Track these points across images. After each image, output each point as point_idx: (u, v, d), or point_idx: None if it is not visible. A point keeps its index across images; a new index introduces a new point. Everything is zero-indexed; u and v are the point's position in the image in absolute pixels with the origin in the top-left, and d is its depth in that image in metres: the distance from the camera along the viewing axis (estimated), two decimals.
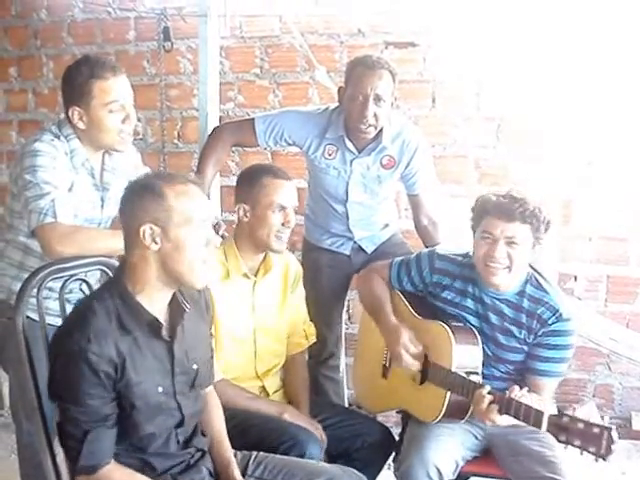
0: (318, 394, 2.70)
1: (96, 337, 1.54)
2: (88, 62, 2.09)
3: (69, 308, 2.04)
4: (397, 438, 2.33)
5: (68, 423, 1.57)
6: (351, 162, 2.60)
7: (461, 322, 2.17)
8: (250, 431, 2.07)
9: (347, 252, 2.80)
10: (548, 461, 2.00)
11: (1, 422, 3.35)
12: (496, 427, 2.10)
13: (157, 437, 1.67)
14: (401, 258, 2.36)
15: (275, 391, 2.37)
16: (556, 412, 1.81)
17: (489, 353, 2.14)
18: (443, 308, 2.22)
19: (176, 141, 3.66)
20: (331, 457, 2.13)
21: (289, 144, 2.67)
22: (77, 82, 2.05)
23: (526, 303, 2.11)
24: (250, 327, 2.30)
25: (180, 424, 1.72)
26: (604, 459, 1.69)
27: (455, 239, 2.53)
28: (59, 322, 1.89)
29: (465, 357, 2.09)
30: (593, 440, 1.69)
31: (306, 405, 2.32)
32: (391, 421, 2.86)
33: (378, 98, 2.43)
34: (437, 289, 2.24)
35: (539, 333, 2.10)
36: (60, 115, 2.27)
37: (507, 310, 2.13)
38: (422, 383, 2.18)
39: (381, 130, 2.53)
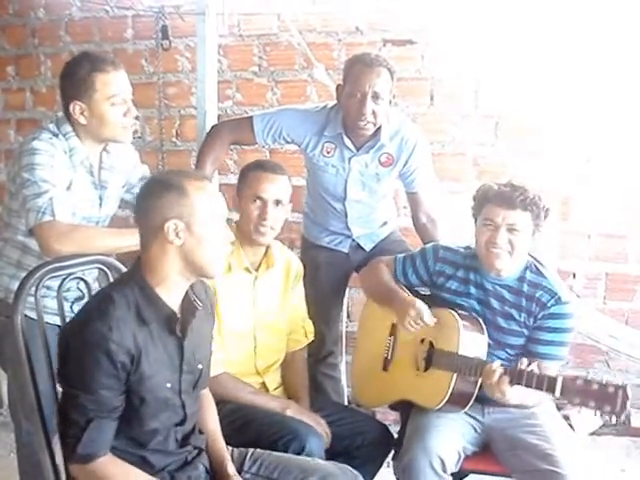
0: (317, 392, 2.69)
1: (117, 326, 1.55)
2: (88, 57, 2.09)
3: (67, 307, 2.05)
4: (396, 436, 2.33)
5: (73, 410, 1.57)
6: (349, 160, 2.60)
7: (467, 312, 2.21)
8: (250, 425, 2.08)
9: (345, 250, 2.80)
10: (546, 454, 2.01)
11: (0, 421, 3.34)
12: (494, 420, 2.17)
13: (159, 433, 1.68)
14: (404, 254, 2.43)
15: (275, 388, 2.38)
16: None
17: (490, 339, 2.17)
18: (448, 298, 2.26)
19: (174, 139, 3.66)
20: (330, 455, 2.13)
21: (287, 142, 2.67)
22: (78, 76, 2.05)
23: (526, 288, 2.17)
24: (250, 322, 2.30)
25: (182, 422, 1.73)
26: (618, 417, 1.78)
27: (454, 236, 2.53)
28: (57, 321, 1.90)
29: (471, 344, 2.13)
30: (608, 399, 1.77)
31: (307, 401, 2.33)
32: (389, 419, 2.86)
33: (376, 96, 2.43)
34: (441, 278, 2.29)
35: (539, 316, 2.15)
36: (58, 113, 2.26)
37: (508, 295, 2.19)
38: (426, 370, 2.21)
39: (379, 128, 2.53)
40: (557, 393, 1.85)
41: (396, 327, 2.35)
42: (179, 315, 1.68)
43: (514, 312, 2.18)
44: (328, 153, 2.60)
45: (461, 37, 3.20)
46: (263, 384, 2.34)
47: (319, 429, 2.16)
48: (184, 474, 1.73)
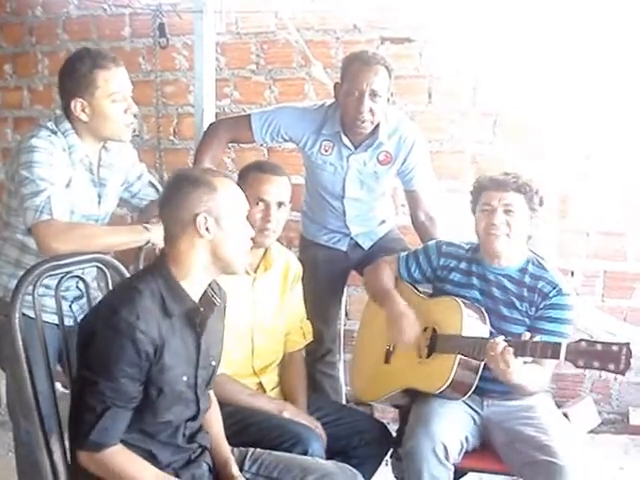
0: (316, 391, 2.69)
1: (144, 316, 1.58)
2: (89, 53, 2.08)
3: (66, 306, 2.05)
4: (394, 434, 2.33)
5: (91, 396, 1.57)
6: (347, 158, 2.59)
7: (470, 302, 2.25)
8: (250, 429, 2.07)
9: (344, 248, 2.80)
10: (543, 445, 2.02)
11: None
12: (493, 413, 2.19)
13: (170, 426, 1.70)
14: (407, 251, 2.47)
15: (272, 388, 2.36)
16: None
17: (492, 328, 2.19)
18: (450, 290, 2.30)
19: (172, 138, 3.65)
20: (329, 454, 2.12)
21: (285, 140, 2.67)
22: (80, 73, 2.04)
23: (527, 279, 2.22)
24: (248, 323, 2.29)
25: (193, 418, 1.75)
26: (623, 374, 1.83)
27: (453, 234, 2.53)
28: (55, 319, 1.89)
29: (475, 326, 2.16)
30: (612, 358, 1.82)
31: (304, 403, 2.32)
32: (388, 417, 2.86)
33: (374, 94, 2.43)
34: (444, 272, 2.34)
35: (540, 306, 2.20)
36: (56, 111, 2.26)
37: (509, 285, 2.23)
38: (429, 357, 2.23)
39: (377, 126, 2.53)
40: (561, 358, 1.89)
41: None
42: (202, 309, 1.70)
43: (516, 301, 2.22)
44: (326, 151, 2.59)
45: (459, 35, 3.21)
46: (260, 384, 2.33)
47: (315, 432, 2.14)
48: (188, 472, 1.74)
